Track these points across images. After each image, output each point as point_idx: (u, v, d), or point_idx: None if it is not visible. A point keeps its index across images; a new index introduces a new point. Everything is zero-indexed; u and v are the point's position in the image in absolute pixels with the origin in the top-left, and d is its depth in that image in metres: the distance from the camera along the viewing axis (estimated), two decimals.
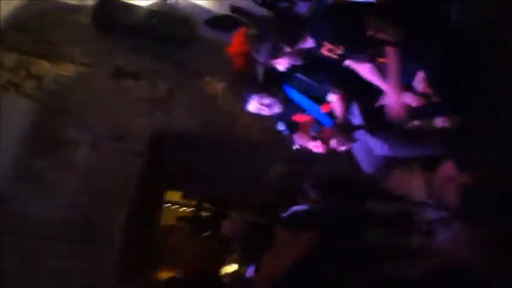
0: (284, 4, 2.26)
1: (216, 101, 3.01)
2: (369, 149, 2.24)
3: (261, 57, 2.32)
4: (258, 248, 2.20)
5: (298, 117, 2.43)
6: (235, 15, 2.58)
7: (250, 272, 2.23)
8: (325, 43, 2.05)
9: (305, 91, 2.33)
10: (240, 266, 2.71)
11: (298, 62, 2.22)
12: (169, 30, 2.89)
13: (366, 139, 2.21)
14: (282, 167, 2.52)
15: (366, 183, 2.27)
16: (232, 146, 2.91)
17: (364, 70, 2.08)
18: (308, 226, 2.07)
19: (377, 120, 2.09)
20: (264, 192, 2.58)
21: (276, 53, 2.19)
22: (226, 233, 2.70)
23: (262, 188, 2.56)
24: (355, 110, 2.24)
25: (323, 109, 2.32)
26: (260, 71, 2.56)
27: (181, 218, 3.93)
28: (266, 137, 2.80)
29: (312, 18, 2.22)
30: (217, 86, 3.03)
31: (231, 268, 2.99)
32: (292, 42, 2.14)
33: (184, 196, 3.99)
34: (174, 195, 4.08)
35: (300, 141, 2.41)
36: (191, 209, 4.09)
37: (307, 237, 1.99)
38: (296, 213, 2.18)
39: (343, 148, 2.22)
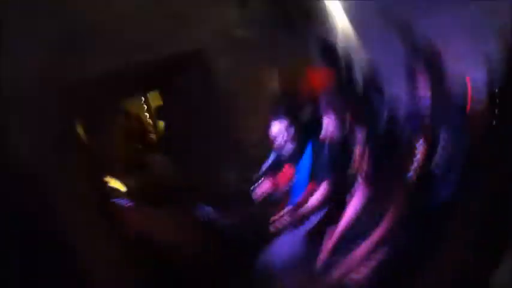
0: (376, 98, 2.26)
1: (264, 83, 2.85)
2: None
3: (321, 103, 2.30)
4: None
5: (287, 169, 2.42)
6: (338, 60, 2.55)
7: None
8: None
9: (316, 159, 2.32)
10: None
11: (336, 133, 2.21)
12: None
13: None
14: (237, 181, 2.52)
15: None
16: (221, 133, 2.78)
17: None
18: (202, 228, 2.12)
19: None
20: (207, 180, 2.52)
21: (335, 112, 2.18)
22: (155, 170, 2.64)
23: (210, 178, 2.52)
24: (321, 214, 2.24)
25: (308, 187, 2.31)
26: (308, 111, 2.53)
27: None
28: (252, 151, 2.72)
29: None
30: (272, 78, 2.91)
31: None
32: (353, 120, 2.14)
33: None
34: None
35: (265, 187, 2.42)
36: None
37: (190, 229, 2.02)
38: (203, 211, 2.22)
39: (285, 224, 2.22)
